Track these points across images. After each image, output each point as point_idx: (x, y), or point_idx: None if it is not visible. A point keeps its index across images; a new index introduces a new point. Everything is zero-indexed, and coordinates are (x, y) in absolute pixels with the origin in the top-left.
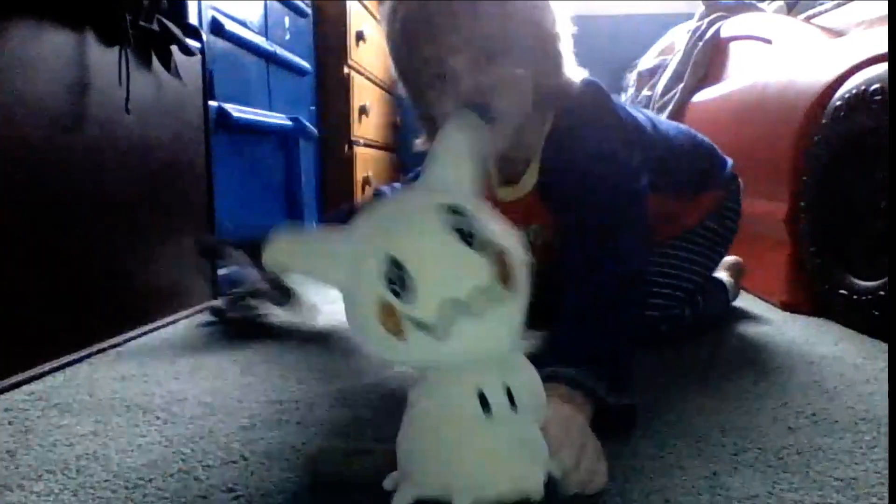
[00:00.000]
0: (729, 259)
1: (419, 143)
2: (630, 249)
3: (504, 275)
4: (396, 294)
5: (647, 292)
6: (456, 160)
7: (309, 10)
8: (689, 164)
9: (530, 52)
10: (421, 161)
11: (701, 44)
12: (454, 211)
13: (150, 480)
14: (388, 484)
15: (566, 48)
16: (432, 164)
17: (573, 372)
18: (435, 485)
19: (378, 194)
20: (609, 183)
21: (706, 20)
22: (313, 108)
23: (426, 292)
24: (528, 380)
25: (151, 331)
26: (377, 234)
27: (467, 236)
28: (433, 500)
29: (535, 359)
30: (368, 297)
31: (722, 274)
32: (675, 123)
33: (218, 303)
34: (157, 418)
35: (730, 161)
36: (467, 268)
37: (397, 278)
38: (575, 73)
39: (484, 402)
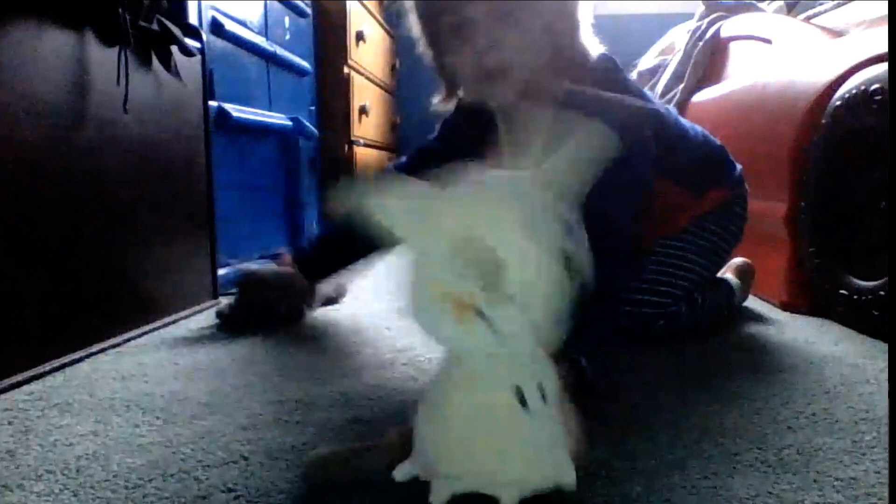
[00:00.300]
0: (737, 260)
1: (436, 101)
2: (626, 231)
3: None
4: (475, 285)
5: (634, 275)
6: (576, 167)
7: (309, 10)
8: (699, 157)
9: (548, 10)
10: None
11: (701, 44)
12: (561, 222)
13: (150, 480)
14: (399, 475)
15: (584, 17)
16: (557, 158)
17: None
18: (474, 479)
19: (390, 170)
20: (615, 162)
21: (706, 20)
22: (313, 108)
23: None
24: (553, 375)
25: (151, 331)
26: (485, 223)
27: (563, 251)
28: (471, 494)
29: None
30: (446, 281)
31: (728, 275)
32: (689, 122)
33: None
34: (157, 418)
35: (739, 167)
36: (553, 287)
37: (485, 273)
38: (592, 45)
39: (521, 398)
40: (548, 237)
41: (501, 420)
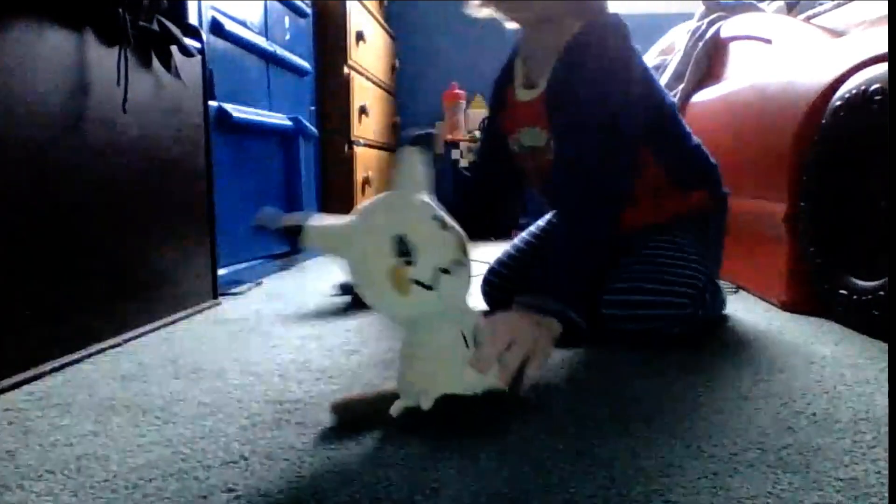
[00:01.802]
0: None
1: (471, 8)
2: (610, 192)
3: (463, 248)
4: (405, 262)
5: (617, 221)
6: (414, 183)
7: (309, 10)
8: (690, 154)
9: None
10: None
11: (701, 44)
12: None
13: (150, 480)
14: (394, 411)
15: None
16: (398, 186)
17: (546, 301)
18: (444, 388)
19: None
20: (606, 115)
21: (706, 20)
22: (313, 108)
23: (425, 262)
24: (478, 322)
25: (151, 331)
26: (387, 223)
27: (441, 223)
28: (450, 398)
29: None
30: (382, 267)
31: None
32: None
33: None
34: (157, 418)
35: (727, 190)
36: (448, 245)
37: (404, 253)
38: (610, 6)
39: (465, 340)
40: (432, 220)
41: (456, 357)
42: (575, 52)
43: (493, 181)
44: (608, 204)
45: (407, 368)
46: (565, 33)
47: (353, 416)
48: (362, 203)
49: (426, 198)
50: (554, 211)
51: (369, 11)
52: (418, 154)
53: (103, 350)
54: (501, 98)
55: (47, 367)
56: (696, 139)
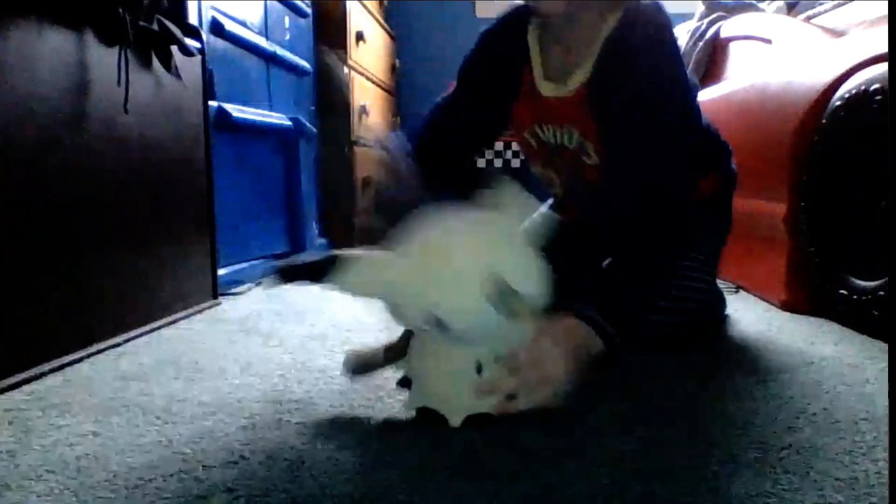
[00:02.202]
0: None
1: None
2: (670, 186)
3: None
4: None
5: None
6: (515, 210)
7: (309, 10)
8: (705, 139)
9: None
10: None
11: (701, 44)
12: (499, 281)
13: (150, 480)
14: (397, 371)
15: None
16: (497, 207)
17: (590, 312)
18: (435, 402)
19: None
20: (664, 107)
21: (706, 20)
22: (313, 108)
23: (457, 329)
24: (516, 341)
25: (151, 331)
26: (425, 288)
27: (504, 302)
28: (433, 411)
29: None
30: (414, 322)
31: None
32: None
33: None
34: (157, 418)
35: (734, 166)
36: (494, 331)
37: (438, 324)
38: None
39: (479, 368)
40: (484, 306)
41: (458, 375)
42: (620, 51)
43: (474, 129)
44: (676, 229)
45: (413, 351)
46: (603, 24)
47: (364, 368)
48: (416, 240)
49: (501, 255)
50: (552, 199)
51: (369, 11)
52: (516, 194)
53: (103, 350)
54: (514, 79)
55: (47, 367)
56: (705, 118)
